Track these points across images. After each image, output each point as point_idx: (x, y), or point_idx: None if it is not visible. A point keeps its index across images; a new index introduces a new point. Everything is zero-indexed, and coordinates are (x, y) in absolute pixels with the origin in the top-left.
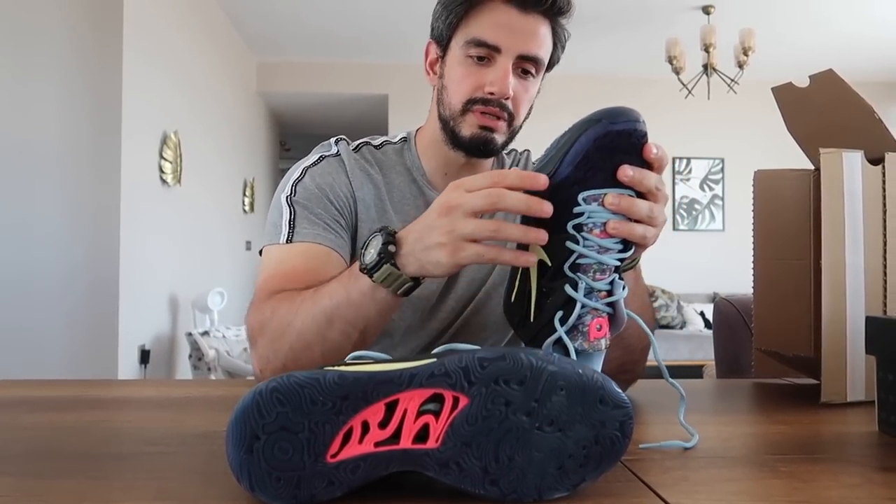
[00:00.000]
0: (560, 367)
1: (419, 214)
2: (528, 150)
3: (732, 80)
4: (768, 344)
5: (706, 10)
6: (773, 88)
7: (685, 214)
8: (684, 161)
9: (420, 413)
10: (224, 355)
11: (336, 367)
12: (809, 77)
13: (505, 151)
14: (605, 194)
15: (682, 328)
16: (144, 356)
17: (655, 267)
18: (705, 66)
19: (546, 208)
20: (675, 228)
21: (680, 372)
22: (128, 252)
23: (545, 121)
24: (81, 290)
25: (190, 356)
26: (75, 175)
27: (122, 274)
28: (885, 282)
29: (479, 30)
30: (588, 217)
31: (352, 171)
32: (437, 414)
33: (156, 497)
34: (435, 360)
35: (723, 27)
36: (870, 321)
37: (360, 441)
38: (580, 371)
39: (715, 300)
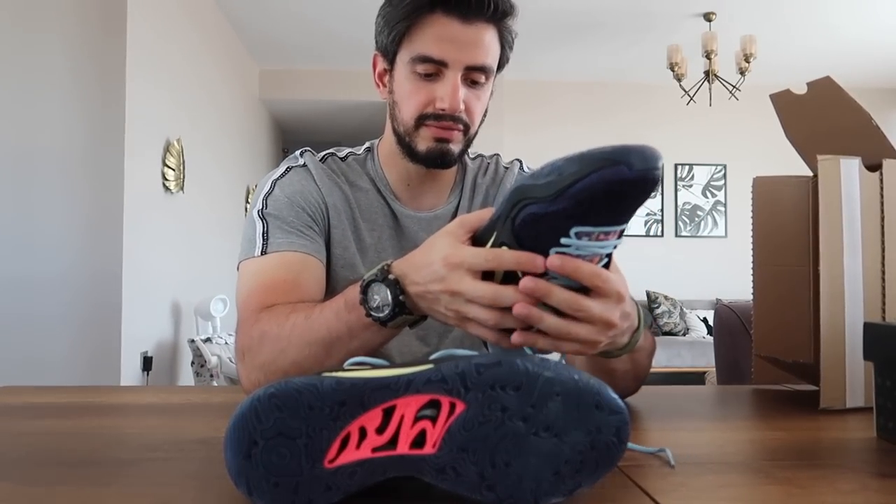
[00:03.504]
0: (556, 373)
1: (387, 224)
2: (519, 160)
3: (734, 87)
4: (767, 350)
5: (707, 17)
6: (771, 95)
7: (687, 221)
8: (686, 167)
9: (417, 419)
10: (226, 362)
11: (334, 373)
12: (807, 84)
13: (471, 157)
14: (597, 232)
15: (684, 335)
16: (147, 363)
17: (658, 273)
18: (707, 73)
19: (538, 265)
20: (677, 235)
21: (682, 378)
22: (130, 259)
23: (548, 129)
24: (84, 297)
25: (192, 363)
26: (78, 182)
27: (125, 281)
28: (884, 288)
29: (423, 45)
30: (575, 250)
31: (320, 179)
32: (433, 419)
33: (155, 503)
34: (432, 366)
35: (724, 34)
36: (868, 327)
37: (358, 446)
38: (576, 377)
39: (716, 307)
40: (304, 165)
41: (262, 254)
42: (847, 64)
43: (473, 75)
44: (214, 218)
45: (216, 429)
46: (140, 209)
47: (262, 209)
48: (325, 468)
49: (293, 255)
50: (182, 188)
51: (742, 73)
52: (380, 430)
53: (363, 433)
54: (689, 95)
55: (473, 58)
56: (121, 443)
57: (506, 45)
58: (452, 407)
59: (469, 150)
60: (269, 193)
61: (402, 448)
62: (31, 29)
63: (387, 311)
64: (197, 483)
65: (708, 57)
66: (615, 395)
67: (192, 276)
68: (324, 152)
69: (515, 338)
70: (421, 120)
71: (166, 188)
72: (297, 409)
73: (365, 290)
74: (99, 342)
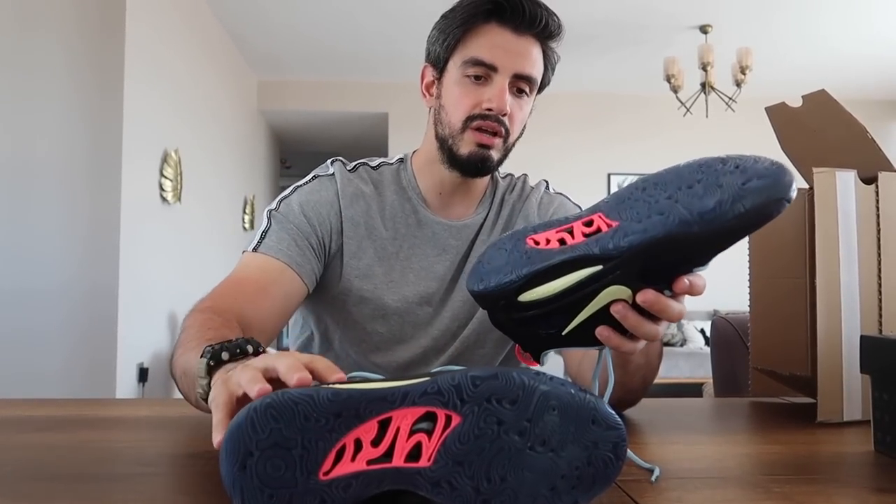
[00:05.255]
0: (552, 387)
1: (409, 231)
2: (545, 181)
3: (730, 99)
4: (765, 363)
5: (704, 30)
6: (766, 108)
7: None
8: None
9: (413, 431)
10: None
11: (331, 385)
12: (802, 97)
13: (501, 175)
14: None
15: (682, 346)
16: (143, 374)
17: None
18: (703, 85)
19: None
20: None
21: (680, 390)
22: (127, 270)
23: (546, 139)
24: (80, 308)
25: None
26: (75, 193)
27: (122, 292)
28: (880, 300)
29: (476, 50)
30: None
31: (343, 189)
32: (429, 433)
33: None
34: (428, 378)
35: (720, 46)
36: (864, 340)
37: (353, 459)
38: (572, 391)
39: (713, 319)
40: (332, 175)
41: (253, 250)
42: (841, 77)
43: (520, 84)
44: (212, 229)
45: (209, 443)
46: (137, 220)
47: (274, 209)
48: (319, 480)
49: (275, 262)
50: (179, 199)
51: (738, 84)
52: (375, 443)
53: (358, 445)
54: (685, 107)
55: (522, 66)
56: (114, 457)
57: (549, 66)
58: (448, 420)
59: (500, 169)
60: (286, 196)
61: (398, 461)
62: (29, 38)
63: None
64: (189, 499)
65: (704, 69)
66: (612, 411)
67: (189, 287)
68: (356, 161)
69: (601, 331)
70: (468, 122)
71: (164, 199)
72: (293, 419)
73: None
74: (95, 353)
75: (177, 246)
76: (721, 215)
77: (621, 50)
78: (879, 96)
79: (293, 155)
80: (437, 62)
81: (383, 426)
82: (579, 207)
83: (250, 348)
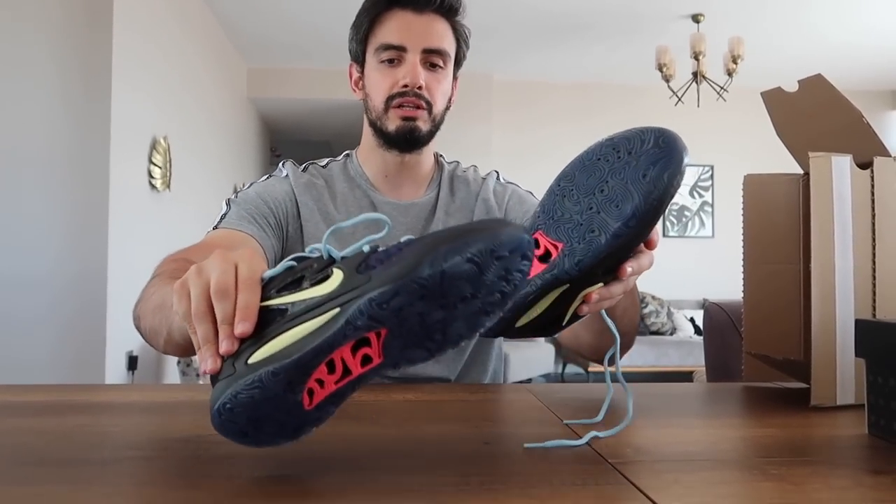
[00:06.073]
0: (451, 265)
1: (361, 212)
2: (496, 171)
3: (722, 88)
4: (758, 348)
5: (696, 19)
6: (762, 93)
7: (675, 221)
8: None
9: (355, 352)
10: None
11: (259, 354)
12: (798, 82)
13: (447, 161)
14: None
15: (672, 334)
16: (132, 362)
17: (645, 273)
18: (695, 74)
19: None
20: (665, 235)
21: (670, 378)
22: (116, 257)
23: (536, 129)
24: (69, 295)
25: (178, 362)
26: (63, 180)
27: (111, 279)
28: (874, 285)
29: (384, 36)
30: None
31: (296, 182)
32: (368, 343)
33: (139, 502)
34: (338, 310)
35: (712, 35)
36: (859, 324)
37: (322, 388)
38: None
39: (705, 305)
40: (286, 176)
41: (213, 228)
42: (833, 66)
43: (432, 58)
44: (201, 216)
45: (201, 427)
46: (126, 207)
47: (231, 199)
48: (306, 410)
49: (236, 232)
50: (169, 186)
51: (730, 74)
52: (331, 372)
53: (320, 382)
54: (677, 96)
55: (429, 41)
56: (104, 441)
57: (461, 39)
58: (378, 334)
59: (446, 157)
60: (244, 188)
61: (357, 371)
62: (15, 25)
63: None
64: (182, 482)
65: (696, 58)
66: (515, 234)
67: None
68: (305, 163)
69: (585, 309)
70: (388, 102)
71: (153, 186)
72: (256, 406)
73: None
74: (83, 341)
75: (166, 233)
76: (642, 215)
77: (613, 39)
78: (871, 86)
79: (283, 143)
80: (358, 58)
81: (331, 364)
82: (531, 193)
83: None
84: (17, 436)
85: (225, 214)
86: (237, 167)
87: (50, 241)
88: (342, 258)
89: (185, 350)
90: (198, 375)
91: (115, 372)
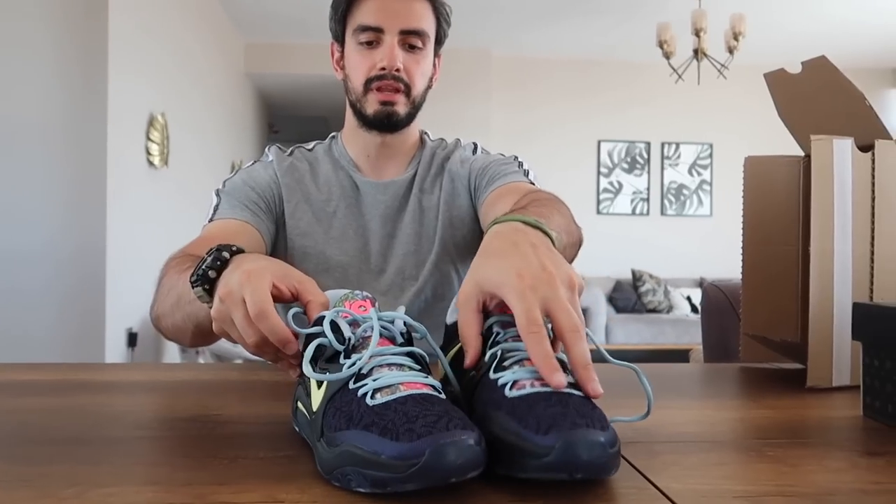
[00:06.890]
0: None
1: (344, 193)
2: (475, 143)
3: (722, 66)
4: (755, 329)
5: None
6: (765, 74)
7: (673, 200)
8: (673, 146)
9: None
10: None
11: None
12: (801, 63)
13: (431, 138)
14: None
15: (668, 312)
16: (132, 339)
17: (643, 251)
18: (695, 51)
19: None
20: (662, 213)
21: (667, 356)
22: (115, 233)
23: (536, 106)
24: (67, 272)
25: None
26: (61, 157)
27: (109, 256)
28: (873, 268)
29: (362, 17)
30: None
31: (279, 165)
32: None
33: (146, 482)
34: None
35: (714, 12)
36: (858, 307)
37: None
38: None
39: (703, 285)
40: (271, 161)
41: (209, 222)
42: (836, 44)
43: (410, 39)
44: (199, 192)
45: (206, 407)
46: (124, 184)
47: (220, 189)
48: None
49: (233, 221)
50: (166, 163)
51: (731, 51)
52: None
53: None
54: (677, 73)
55: (407, 23)
56: (110, 421)
57: (441, 19)
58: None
59: (431, 134)
60: (230, 177)
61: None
62: (12, 2)
63: (198, 272)
64: (189, 461)
65: (697, 35)
66: None
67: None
68: (292, 146)
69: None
70: (367, 84)
71: (150, 163)
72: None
73: (201, 261)
74: (83, 318)
75: (164, 210)
76: None
77: (613, 15)
78: (874, 64)
79: (281, 119)
80: (338, 37)
81: None
82: (503, 155)
83: (227, 254)
84: (24, 414)
85: (217, 206)
86: (235, 143)
87: (48, 217)
88: None
89: (215, 337)
90: (197, 353)
91: (114, 348)
